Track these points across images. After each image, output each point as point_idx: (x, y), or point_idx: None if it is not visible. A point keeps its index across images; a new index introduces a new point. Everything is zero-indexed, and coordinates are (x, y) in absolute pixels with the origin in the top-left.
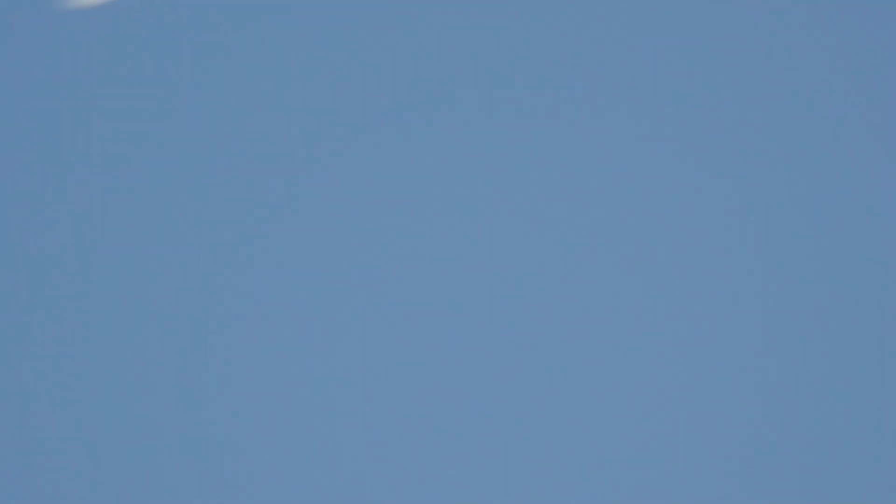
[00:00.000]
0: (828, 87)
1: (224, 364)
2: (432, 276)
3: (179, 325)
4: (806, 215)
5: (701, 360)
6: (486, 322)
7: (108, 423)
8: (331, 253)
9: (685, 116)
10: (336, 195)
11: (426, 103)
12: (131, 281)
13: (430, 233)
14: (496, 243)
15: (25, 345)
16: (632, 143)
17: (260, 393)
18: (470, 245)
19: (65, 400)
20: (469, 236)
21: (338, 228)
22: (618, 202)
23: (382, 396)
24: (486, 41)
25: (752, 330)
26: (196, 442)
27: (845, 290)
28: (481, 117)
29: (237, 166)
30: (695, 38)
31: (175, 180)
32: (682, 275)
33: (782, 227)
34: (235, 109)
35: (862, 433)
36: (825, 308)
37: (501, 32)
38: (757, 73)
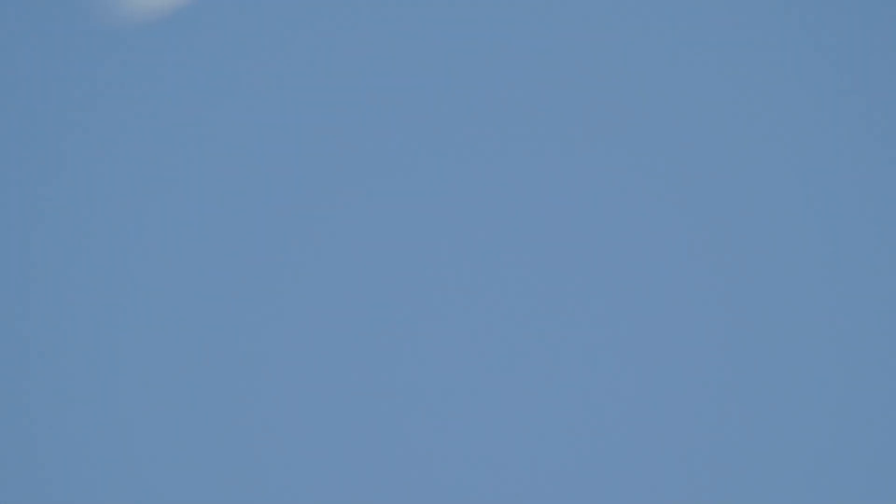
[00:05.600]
0: (824, 95)
1: (228, 367)
2: (432, 283)
3: (187, 330)
4: (801, 222)
5: (698, 365)
6: (485, 330)
7: (108, 424)
8: (333, 262)
9: (679, 133)
10: (343, 208)
11: (428, 118)
12: (142, 285)
13: (430, 247)
14: (495, 252)
15: (25, 345)
16: (630, 158)
17: (260, 395)
18: (469, 254)
19: (64, 400)
20: (469, 250)
21: (342, 240)
22: (614, 217)
23: (383, 400)
24: (484, 53)
25: (750, 333)
26: (198, 442)
27: (844, 292)
28: (479, 131)
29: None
30: (690, 45)
31: (183, 189)
32: (678, 281)
33: (779, 232)
34: (267, 126)
35: (861, 436)
36: (823, 311)
37: (501, 46)
38: (752, 82)
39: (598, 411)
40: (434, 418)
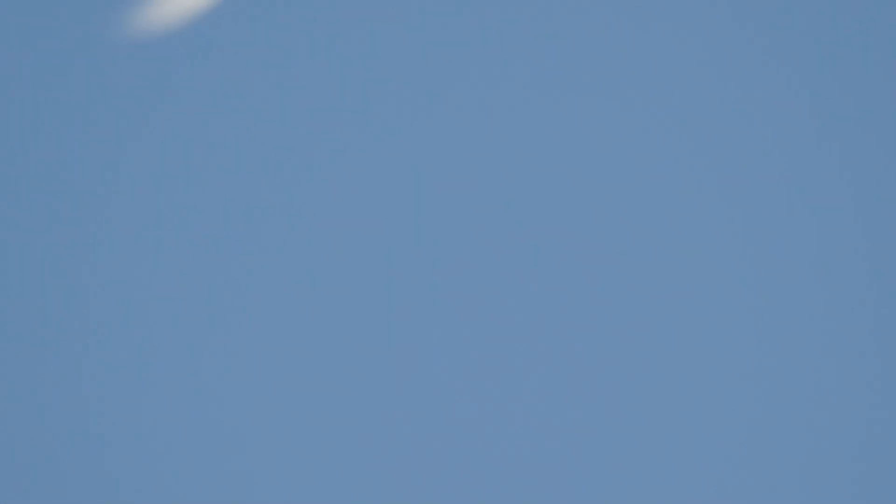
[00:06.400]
0: (825, 89)
1: (222, 365)
2: (431, 277)
3: (180, 325)
4: (802, 218)
5: (697, 363)
6: (483, 324)
7: (107, 423)
8: (330, 253)
9: (683, 117)
10: (336, 196)
11: (424, 105)
12: (136, 281)
13: (429, 235)
14: (493, 244)
15: (25, 345)
16: (630, 144)
17: (259, 394)
18: (468, 246)
19: (64, 399)
20: (466, 238)
21: (338, 229)
22: (616, 203)
23: (383, 399)
24: (484, 41)
25: (750, 331)
26: (195, 442)
27: (844, 292)
28: (478, 118)
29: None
30: (693, 38)
31: (182, 184)
32: (678, 276)
33: (779, 228)
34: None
35: (861, 435)
36: (823, 311)
37: (500, 33)
38: (754, 75)
39: (600, 405)
40: (434, 414)
